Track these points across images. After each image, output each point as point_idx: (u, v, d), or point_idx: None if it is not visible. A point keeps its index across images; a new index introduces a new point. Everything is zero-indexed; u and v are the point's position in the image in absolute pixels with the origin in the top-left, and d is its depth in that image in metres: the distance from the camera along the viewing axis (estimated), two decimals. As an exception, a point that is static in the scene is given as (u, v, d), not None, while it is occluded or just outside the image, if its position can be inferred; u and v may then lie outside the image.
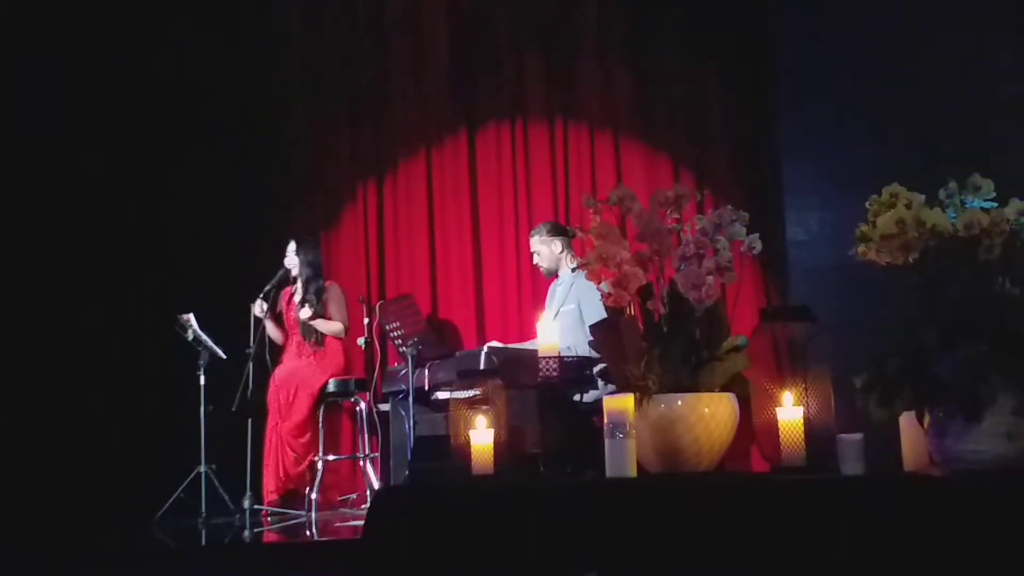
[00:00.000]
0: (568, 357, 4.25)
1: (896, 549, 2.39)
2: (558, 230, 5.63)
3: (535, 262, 5.68)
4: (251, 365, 5.45)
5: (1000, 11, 4.95)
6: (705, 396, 2.98)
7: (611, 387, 3.33)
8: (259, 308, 5.80)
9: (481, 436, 3.08)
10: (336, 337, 6.03)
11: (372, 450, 5.97)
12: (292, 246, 6.05)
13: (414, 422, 5.11)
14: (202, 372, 5.78)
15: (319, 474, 5.76)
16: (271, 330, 5.98)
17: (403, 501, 2.96)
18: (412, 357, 5.27)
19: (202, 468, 5.62)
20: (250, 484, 5.29)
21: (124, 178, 6.40)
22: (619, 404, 2.83)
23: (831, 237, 5.18)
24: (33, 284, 6.08)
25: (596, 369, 4.08)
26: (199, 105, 6.52)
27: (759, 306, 5.53)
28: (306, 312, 5.91)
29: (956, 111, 4.82)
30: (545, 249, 5.59)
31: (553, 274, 5.63)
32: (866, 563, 2.40)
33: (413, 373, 5.22)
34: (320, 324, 5.98)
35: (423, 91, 6.71)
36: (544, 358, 3.29)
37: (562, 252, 5.56)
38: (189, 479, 5.62)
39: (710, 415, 2.95)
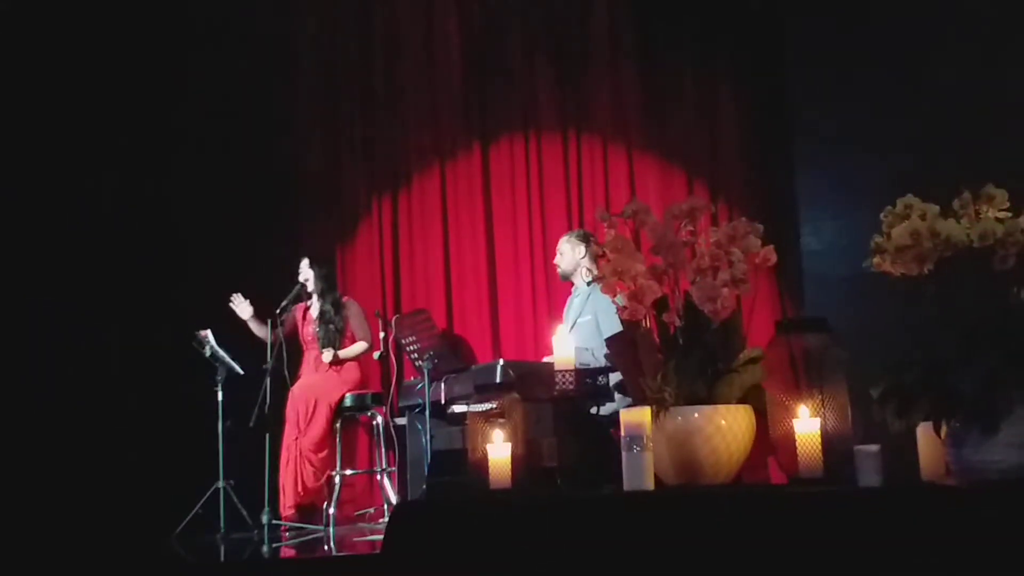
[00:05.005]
0: (585, 366, 4.26)
1: (914, 560, 2.38)
2: (587, 238, 5.64)
3: (555, 261, 5.69)
4: (268, 380, 5.48)
5: (1012, 19, 4.94)
6: (722, 408, 2.98)
7: (628, 400, 3.34)
8: (241, 308, 5.98)
9: (498, 450, 3.09)
10: (364, 354, 6.07)
11: (389, 464, 5.98)
12: (305, 262, 6.11)
13: (431, 436, 5.12)
14: (219, 388, 5.82)
15: (336, 489, 5.77)
16: (256, 329, 6.00)
17: (422, 515, 2.97)
18: (428, 371, 5.28)
19: (220, 484, 5.65)
20: (268, 499, 5.30)
21: (140, 195, 6.44)
22: (636, 417, 2.84)
23: (846, 248, 5.17)
24: (50, 301, 6.12)
25: (613, 382, 4.09)
26: (214, 122, 6.56)
27: (775, 318, 5.53)
28: (327, 356, 5.94)
29: (970, 121, 4.81)
30: (568, 250, 5.59)
31: (568, 278, 5.63)
32: (884, 574, 2.40)
33: (429, 387, 5.23)
34: (345, 354, 6.01)
35: (436, 105, 6.75)
36: (560, 371, 3.30)
37: (583, 258, 5.56)
38: (207, 495, 5.64)
39: (727, 427, 2.95)
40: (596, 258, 5.49)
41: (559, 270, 5.66)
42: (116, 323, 6.31)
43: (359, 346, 6.08)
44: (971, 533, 2.36)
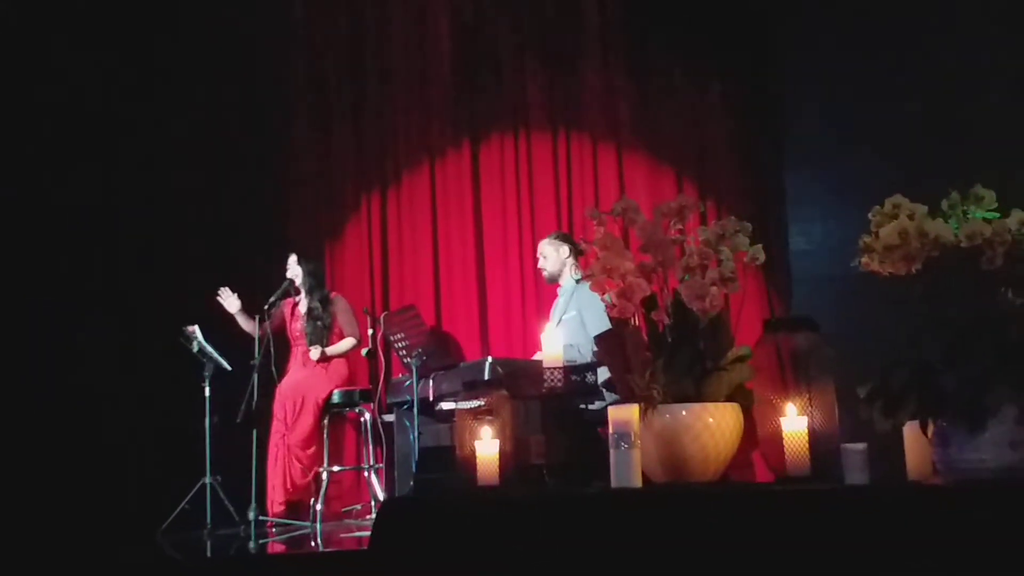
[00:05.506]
0: (572, 363, 4.26)
1: (901, 558, 2.39)
2: (567, 238, 5.67)
3: (539, 265, 5.69)
4: (256, 376, 5.47)
5: (998, 23, 4.97)
6: (710, 406, 2.99)
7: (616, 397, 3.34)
8: (229, 302, 5.96)
9: (486, 447, 3.09)
10: (352, 351, 6.06)
11: (377, 461, 5.98)
12: (293, 258, 6.09)
13: (418, 433, 5.12)
14: (207, 384, 5.80)
15: (324, 485, 5.77)
16: (243, 323, 6.00)
17: (409, 512, 2.97)
18: (416, 368, 5.28)
19: (207, 479, 5.62)
20: (255, 495, 5.29)
21: (129, 190, 6.42)
22: (624, 414, 2.84)
23: (834, 248, 5.19)
24: (37, 295, 6.09)
25: (601, 380, 4.09)
26: (205, 119, 6.54)
27: (763, 317, 5.54)
28: (315, 353, 5.93)
29: (959, 122, 4.84)
30: (552, 252, 5.60)
31: (555, 280, 5.63)
32: (871, 572, 2.41)
33: (417, 384, 5.23)
34: (333, 350, 6.00)
35: (426, 103, 6.73)
36: (549, 368, 3.31)
37: (568, 257, 5.57)
38: (194, 491, 5.62)
39: (715, 425, 2.96)
40: (578, 256, 5.52)
41: (545, 274, 5.66)
42: (103, 317, 6.27)
43: (347, 342, 6.07)
44: (957, 532, 2.37)
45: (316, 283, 6.08)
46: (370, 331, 6.02)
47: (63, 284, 6.15)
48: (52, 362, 6.05)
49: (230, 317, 6.04)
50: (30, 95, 6.25)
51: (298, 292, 6.11)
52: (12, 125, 6.18)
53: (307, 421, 5.82)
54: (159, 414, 6.07)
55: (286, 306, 6.15)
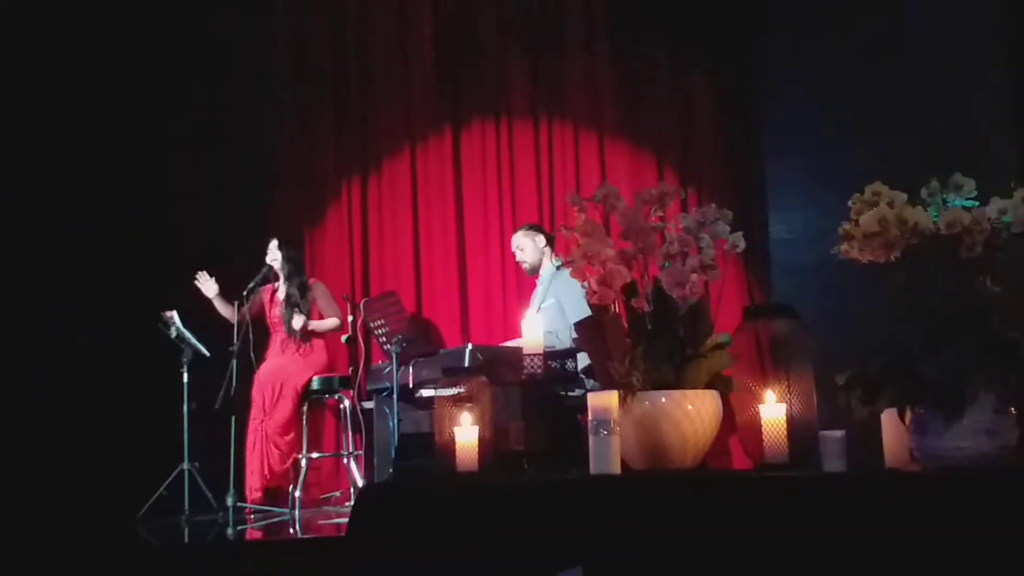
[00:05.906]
0: (551, 348, 4.26)
1: (878, 545, 2.40)
2: (540, 228, 5.70)
3: (519, 259, 5.70)
4: (235, 362, 5.44)
5: (978, 13, 4.99)
6: (690, 393, 2.98)
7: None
8: (207, 286, 5.93)
9: (466, 433, 3.08)
10: (335, 332, 6.03)
11: (356, 448, 5.97)
12: (274, 243, 6.06)
13: (398, 420, 5.12)
14: (185, 369, 5.78)
15: (303, 472, 5.75)
16: (221, 308, 5.98)
17: (388, 498, 2.96)
18: (396, 354, 5.27)
19: (185, 466, 5.61)
20: (233, 482, 5.27)
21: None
22: (603, 401, 2.84)
23: (814, 236, 5.20)
24: (15, 280, 6.04)
25: (581, 367, 4.09)
26: (184, 102, 6.49)
27: (742, 304, 5.56)
28: (298, 322, 5.90)
29: (939, 110, 4.85)
30: (529, 243, 5.61)
31: (536, 270, 5.64)
32: (848, 558, 2.42)
33: (397, 370, 5.23)
34: (316, 326, 5.98)
35: (408, 88, 6.71)
36: (529, 355, 3.30)
37: (545, 246, 5.60)
38: (172, 477, 5.60)
39: (694, 412, 2.95)
40: (554, 243, 5.56)
41: (525, 266, 5.68)
42: (81, 303, 6.22)
43: (331, 321, 6.05)
44: (934, 519, 2.38)
45: (295, 269, 6.05)
46: (350, 318, 6.00)
47: (40, 268, 6.10)
48: (27, 348, 6.01)
49: (208, 301, 6.00)
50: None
51: (277, 278, 6.08)
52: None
53: (286, 407, 5.80)
54: (137, 400, 6.03)
55: (265, 292, 6.12)
